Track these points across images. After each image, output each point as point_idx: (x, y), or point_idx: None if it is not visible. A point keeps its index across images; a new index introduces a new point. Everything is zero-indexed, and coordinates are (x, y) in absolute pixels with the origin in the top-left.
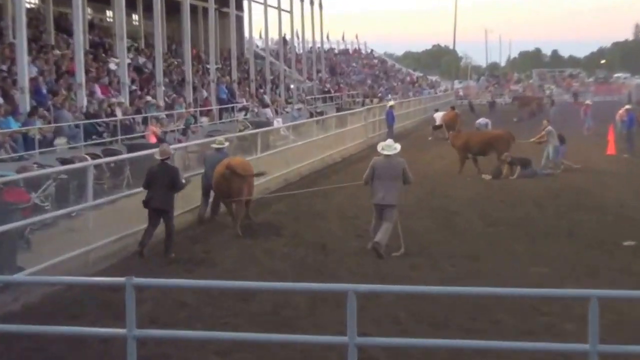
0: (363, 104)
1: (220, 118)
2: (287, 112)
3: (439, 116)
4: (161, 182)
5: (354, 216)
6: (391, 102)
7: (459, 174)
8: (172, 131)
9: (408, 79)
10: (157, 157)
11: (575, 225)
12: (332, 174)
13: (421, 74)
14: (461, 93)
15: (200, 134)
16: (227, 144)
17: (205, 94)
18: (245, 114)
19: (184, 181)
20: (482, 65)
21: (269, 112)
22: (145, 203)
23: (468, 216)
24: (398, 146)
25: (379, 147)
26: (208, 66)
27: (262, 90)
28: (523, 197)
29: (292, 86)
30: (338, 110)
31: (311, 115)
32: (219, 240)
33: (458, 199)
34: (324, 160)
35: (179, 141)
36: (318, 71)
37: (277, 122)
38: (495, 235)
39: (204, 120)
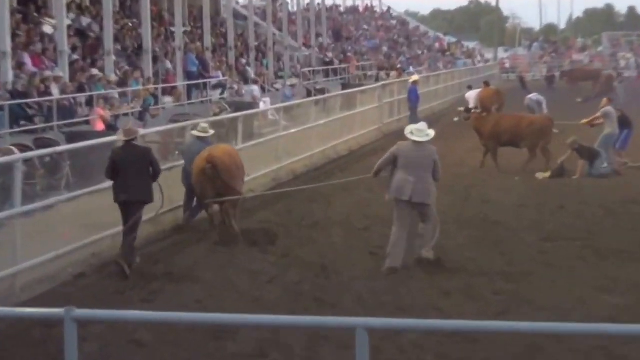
0: (377, 79)
1: (189, 98)
2: (277, 90)
3: (472, 96)
4: (133, 168)
5: (364, 227)
6: (414, 77)
7: (496, 170)
8: (126, 115)
9: (437, 45)
10: (122, 138)
11: None
12: (336, 172)
13: (454, 40)
14: (507, 65)
15: (163, 119)
16: (212, 132)
17: (169, 66)
18: (222, 93)
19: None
20: (535, 28)
21: (253, 89)
22: (117, 196)
23: (514, 227)
24: (432, 132)
25: (407, 131)
26: (173, 29)
27: (244, 61)
28: (588, 203)
29: (283, 56)
30: (344, 87)
31: (309, 95)
32: (189, 257)
33: (501, 205)
34: (325, 153)
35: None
36: (318, 35)
37: (264, 104)
38: (552, 252)
39: (168, 100)
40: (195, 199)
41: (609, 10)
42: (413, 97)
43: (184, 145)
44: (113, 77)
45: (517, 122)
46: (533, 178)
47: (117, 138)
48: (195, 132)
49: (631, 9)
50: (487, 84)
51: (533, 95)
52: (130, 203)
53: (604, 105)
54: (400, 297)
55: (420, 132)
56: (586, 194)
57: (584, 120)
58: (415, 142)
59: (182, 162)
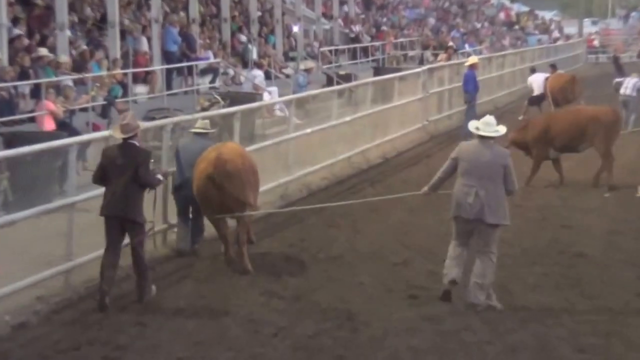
0: (421, 62)
1: (169, 87)
2: (288, 77)
3: (537, 81)
4: (124, 175)
5: (402, 262)
6: (472, 59)
7: (527, 185)
8: (84, 110)
9: (502, 16)
10: (117, 135)
11: None
12: (366, 187)
13: (526, 9)
14: (596, 42)
15: (134, 115)
16: (213, 130)
17: (142, 44)
18: (213, 80)
19: (159, 176)
20: None
21: (255, 76)
22: (103, 209)
23: (605, 262)
24: (503, 128)
25: (472, 126)
26: None
27: (243, 38)
28: None
29: (295, 30)
30: (377, 72)
31: (329, 83)
32: (169, 300)
33: (587, 232)
34: (351, 161)
35: (96, 127)
36: (342, 3)
37: (270, 95)
38: None
39: (141, 90)
40: (191, 215)
41: None
42: (470, 86)
43: (179, 144)
44: (67, 59)
45: (576, 118)
46: (630, 194)
47: (112, 134)
48: (193, 129)
49: None
50: (554, 67)
51: (634, 79)
52: (114, 219)
53: None
54: (449, 357)
55: (489, 125)
56: None
57: None
58: (482, 141)
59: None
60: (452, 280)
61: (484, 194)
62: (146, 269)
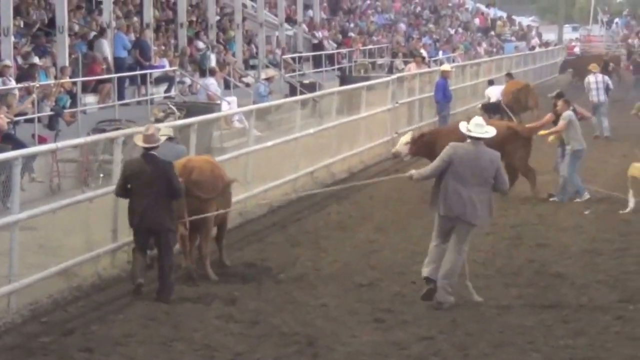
0: (391, 70)
1: (121, 97)
2: (248, 86)
3: (494, 92)
4: (151, 187)
5: (369, 283)
6: (445, 67)
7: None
8: (29, 121)
9: (477, 22)
10: (140, 144)
11: None
12: (330, 203)
13: (502, 14)
14: (577, 49)
15: (83, 127)
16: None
17: (93, 50)
18: (169, 90)
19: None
20: None
21: (210, 84)
22: (132, 221)
23: (583, 283)
24: (492, 129)
25: (463, 127)
26: None
27: (201, 45)
28: None
29: (257, 36)
30: (343, 81)
31: (293, 92)
32: (117, 326)
33: (564, 251)
34: (316, 176)
35: (43, 140)
36: (307, 7)
37: (229, 105)
38: (637, 319)
39: (91, 100)
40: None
41: None
42: (442, 94)
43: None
44: (10, 64)
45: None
46: (610, 212)
47: (135, 141)
48: (163, 132)
49: None
50: (510, 76)
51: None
52: (147, 231)
53: (561, 109)
54: None
55: (479, 127)
56: None
57: (546, 133)
58: (473, 142)
59: (110, 188)
60: (426, 277)
61: (475, 195)
62: (171, 273)
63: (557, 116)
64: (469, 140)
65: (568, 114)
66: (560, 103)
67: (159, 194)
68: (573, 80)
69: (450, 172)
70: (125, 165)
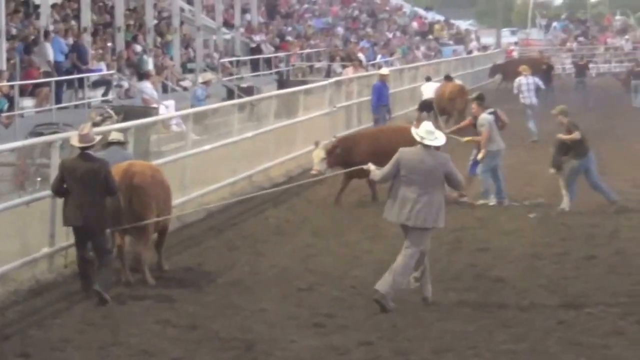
0: (329, 74)
1: (59, 101)
2: (186, 90)
3: (428, 91)
4: (86, 185)
5: (308, 287)
6: (383, 71)
7: (336, 202)
8: None
9: (415, 25)
10: (75, 144)
11: None
12: (268, 207)
13: (441, 18)
14: (515, 53)
15: (21, 131)
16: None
17: (31, 54)
18: (106, 93)
19: None
20: (556, 1)
21: (148, 88)
22: (66, 220)
23: (524, 287)
24: (442, 136)
25: (417, 131)
26: (37, 2)
27: (138, 48)
28: (629, 251)
29: (195, 40)
30: (281, 85)
31: (230, 96)
32: (55, 330)
33: (506, 255)
34: (253, 180)
35: None
36: (244, 11)
37: (166, 109)
38: (577, 324)
39: (28, 104)
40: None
41: None
42: (379, 97)
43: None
44: None
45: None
46: (551, 216)
47: (71, 141)
48: (113, 137)
49: None
50: (449, 78)
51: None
52: (86, 229)
53: (475, 112)
54: None
55: (431, 134)
56: (626, 239)
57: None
58: (424, 148)
59: (48, 192)
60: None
61: (426, 200)
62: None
63: (475, 118)
64: (418, 146)
65: (485, 118)
66: (474, 105)
67: (93, 192)
68: (500, 84)
69: (400, 177)
70: (62, 163)
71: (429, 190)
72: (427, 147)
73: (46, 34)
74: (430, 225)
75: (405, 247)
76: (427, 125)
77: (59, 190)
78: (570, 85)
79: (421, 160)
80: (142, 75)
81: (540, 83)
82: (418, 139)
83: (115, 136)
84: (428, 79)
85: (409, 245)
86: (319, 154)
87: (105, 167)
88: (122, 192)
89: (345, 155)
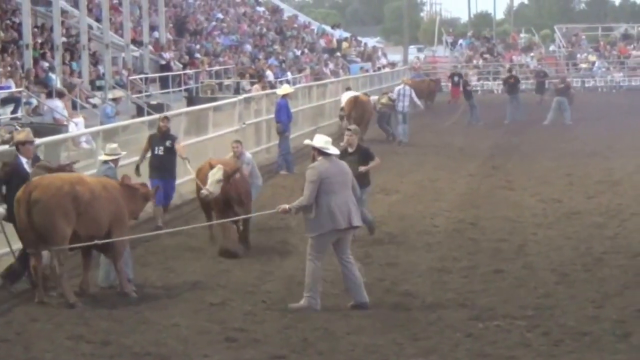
0: (238, 91)
1: None
2: (95, 107)
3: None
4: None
5: (220, 302)
6: (285, 88)
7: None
8: None
9: (323, 43)
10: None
11: None
12: (180, 224)
13: (347, 35)
14: (422, 70)
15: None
16: (123, 153)
17: None
18: (15, 110)
19: None
20: (462, 19)
21: (57, 106)
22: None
23: (432, 301)
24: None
25: (318, 142)
26: None
27: (46, 65)
28: (535, 265)
29: (103, 57)
30: (190, 102)
31: (140, 113)
32: None
33: (414, 269)
34: None
35: None
36: (152, 28)
37: (76, 126)
38: (485, 337)
39: None
40: None
41: None
42: (282, 115)
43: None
44: None
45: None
46: (460, 231)
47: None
48: (102, 156)
49: None
50: (348, 88)
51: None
52: None
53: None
54: None
55: (329, 144)
56: (532, 253)
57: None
58: (329, 158)
59: None
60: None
61: (350, 202)
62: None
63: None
64: (320, 158)
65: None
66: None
67: None
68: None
69: (322, 190)
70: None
71: (348, 193)
72: (331, 156)
73: None
74: (360, 223)
75: (346, 259)
76: (324, 138)
77: None
78: (484, 100)
79: (335, 168)
80: (51, 93)
81: (414, 94)
82: (324, 149)
83: (110, 148)
84: (348, 89)
85: (347, 252)
86: (216, 175)
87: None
88: (22, 206)
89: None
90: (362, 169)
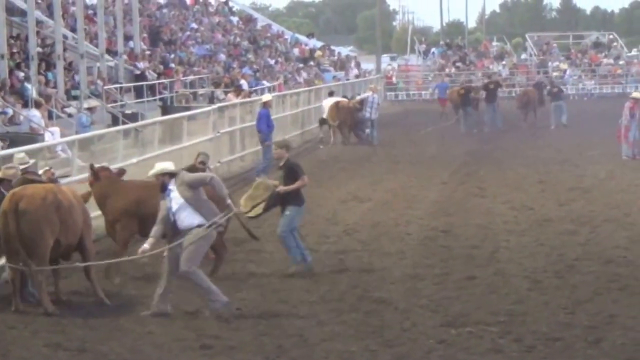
0: (212, 100)
1: None
2: (70, 116)
3: (328, 104)
4: None
5: (195, 309)
6: (266, 97)
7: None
8: None
9: (297, 51)
10: None
11: None
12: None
13: (321, 44)
14: (395, 79)
15: None
16: (32, 161)
17: None
18: None
19: None
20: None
21: (36, 116)
22: None
23: (405, 308)
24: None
25: (164, 166)
26: None
27: (21, 75)
28: (507, 272)
29: (78, 67)
30: (165, 111)
31: (115, 122)
32: None
33: (388, 276)
34: None
35: None
36: (127, 38)
37: (52, 135)
38: (457, 343)
39: None
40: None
41: (536, 3)
42: (263, 125)
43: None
44: None
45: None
46: (431, 239)
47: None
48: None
49: (566, 2)
50: (331, 94)
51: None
52: None
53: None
54: None
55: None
56: (505, 260)
57: None
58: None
59: None
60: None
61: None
62: None
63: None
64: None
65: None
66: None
67: None
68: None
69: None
70: None
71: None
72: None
73: None
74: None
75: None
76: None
77: None
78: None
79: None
80: (27, 103)
81: (379, 102)
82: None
83: (19, 157)
84: (331, 94)
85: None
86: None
87: None
88: (10, 217)
89: None
90: (280, 189)
